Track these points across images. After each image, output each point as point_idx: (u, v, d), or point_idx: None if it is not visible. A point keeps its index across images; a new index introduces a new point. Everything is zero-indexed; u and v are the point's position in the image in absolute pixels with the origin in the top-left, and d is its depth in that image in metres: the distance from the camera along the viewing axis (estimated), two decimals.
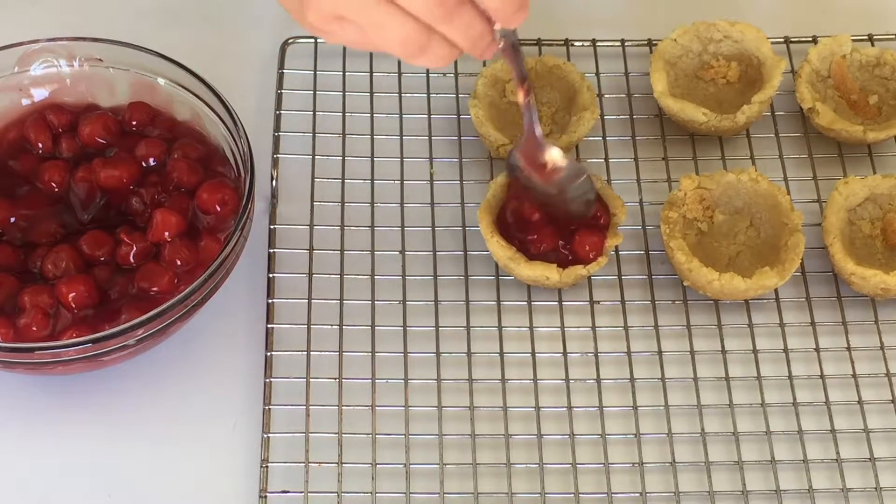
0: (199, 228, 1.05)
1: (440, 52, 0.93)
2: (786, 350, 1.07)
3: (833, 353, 1.07)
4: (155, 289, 1.01)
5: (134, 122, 1.10)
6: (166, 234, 1.03)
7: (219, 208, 1.05)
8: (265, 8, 1.26)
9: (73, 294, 1.00)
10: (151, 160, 1.08)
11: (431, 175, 1.16)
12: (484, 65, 1.20)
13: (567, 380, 1.05)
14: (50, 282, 1.02)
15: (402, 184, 1.15)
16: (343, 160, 1.16)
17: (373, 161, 1.16)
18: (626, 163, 1.17)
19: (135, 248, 1.03)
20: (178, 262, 1.02)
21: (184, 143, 1.08)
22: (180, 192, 1.06)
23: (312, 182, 1.14)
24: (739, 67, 1.19)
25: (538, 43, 1.23)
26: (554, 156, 1.07)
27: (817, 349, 1.07)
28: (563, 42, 1.23)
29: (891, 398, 1.05)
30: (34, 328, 0.99)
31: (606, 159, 1.17)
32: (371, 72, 1.21)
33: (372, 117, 1.19)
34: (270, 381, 1.04)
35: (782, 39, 1.23)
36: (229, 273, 1.03)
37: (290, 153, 1.16)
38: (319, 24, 0.95)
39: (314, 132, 1.17)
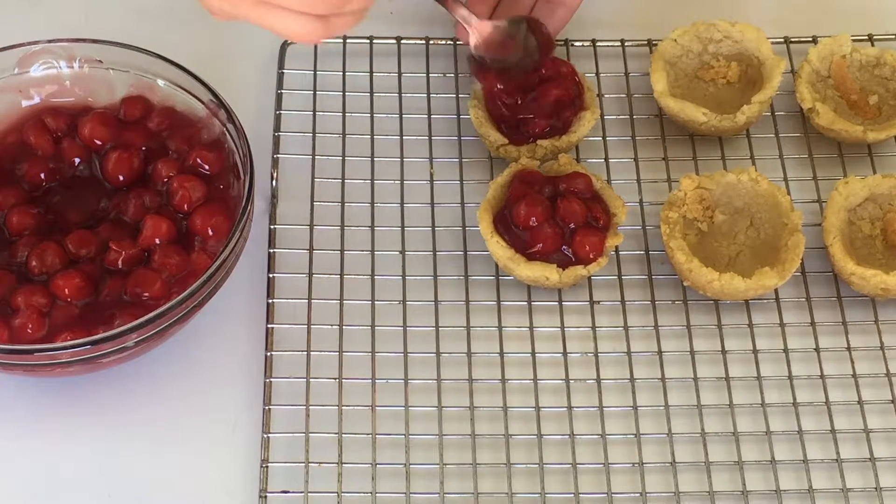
0: (192, 237, 1.04)
1: (344, 23, 0.93)
2: (786, 350, 1.07)
3: (833, 353, 1.07)
4: (147, 294, 1.01)
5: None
6: (157, 240, 1.03)
7: (211, 232, 1.04)
8: None
9: (69, 287, 1.00)
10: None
11: (431, 175, 1.16)
12: None
13: (567, 380, 1.05)
14: (35, 277, 1.02)
15: (402, 184, 1.15)
16: (343, 160, 1.16)
17: (373, 161, 1.16)
18: (626, 163, 1.17)
19: (123, 254, 1.03)
20: (169, 268, 1.02)
21: (200, 145, 1.08)
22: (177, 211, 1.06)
23: (312, 182, 1.14)
24: (739, 67, 1.19)
25: None
26: (491, 23, 1.10)
27: (817, 349, 1.07)
28: (563, 42, 1.23)
29: (891, 398, 1.05)
30: (29, 329, 0.99)
31: (606, 159, 1.17)
32: (371, 72, 1.21)
33: (372, 117, 1.19)
34: (270, 381, 1.04)
35: (782, 39, 1.23)
36: (227, 276, 1.02)
37: (290, 153, 1.16)
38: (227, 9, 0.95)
39: (314, 132, 1.17)
